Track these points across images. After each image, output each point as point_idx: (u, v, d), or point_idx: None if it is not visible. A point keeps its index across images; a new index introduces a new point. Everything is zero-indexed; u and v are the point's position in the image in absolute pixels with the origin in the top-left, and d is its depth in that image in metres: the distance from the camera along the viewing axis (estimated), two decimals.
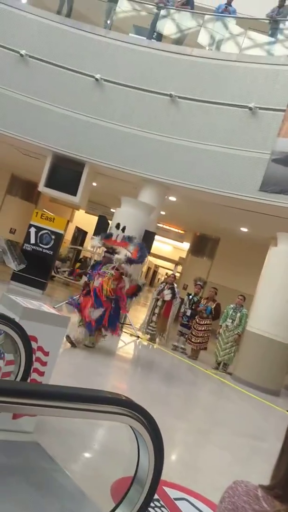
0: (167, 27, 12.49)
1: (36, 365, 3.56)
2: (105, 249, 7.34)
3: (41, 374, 3.59)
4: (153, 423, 1.90)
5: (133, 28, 12.15)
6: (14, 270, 11.60)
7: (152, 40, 11.64)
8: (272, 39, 11.77)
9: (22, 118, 11.36)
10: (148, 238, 10.57)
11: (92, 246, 7.18)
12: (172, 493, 3.24)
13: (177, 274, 20.74)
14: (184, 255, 21.42)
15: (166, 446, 4.12)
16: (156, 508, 2.97)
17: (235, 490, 0.96)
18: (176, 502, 3.12)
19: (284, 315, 8.93)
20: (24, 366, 3.05)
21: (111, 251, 7.24)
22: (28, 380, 3.17)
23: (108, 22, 11.90)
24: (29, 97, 11.32)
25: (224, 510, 0.95)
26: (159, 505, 3.02)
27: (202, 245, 18.21)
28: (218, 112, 10.55)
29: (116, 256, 7.17)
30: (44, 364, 3.60)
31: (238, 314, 9.48)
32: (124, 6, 12.67)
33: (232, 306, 9.67)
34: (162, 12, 12.15)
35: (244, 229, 14.72)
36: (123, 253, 7.29)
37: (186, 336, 10.14)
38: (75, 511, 2.58)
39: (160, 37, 12.03)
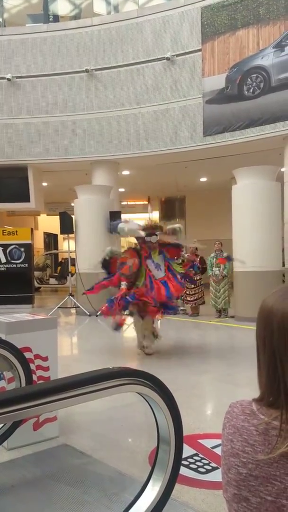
0: (61, 7, 12.16)
1: (39, 373, 3.52)
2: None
3: (47, 379, 3.55)
4: (155, 380, 1.87)
5: (28, 18, 11.81)
6: None
7: (50, 23, 11.32)
8: None
9: None
10: (114, 218, 10.46)
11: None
12: (208, 443, 3.27)
13: None
14: None
15: (191, 402, 4.13)
16: (197, 462, 2.98)
17: (232, 413, 0.95)
18: (214, 450, 3.14)
19: (264, 244, 9.00)
20: (25, 378, 3.01)
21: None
22: None
23: (0, 20, 11.50)
24: None
25: (227, 436, 0.93)
26: (198, 458, 3.04)
27: (171, 208, 18.17)
28: (140, 72, 10.38)
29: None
30: (46, 369, 3.57)
31: None
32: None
33: (212, 255, 9.76)
34: None
35: (203, 179, 14.71)
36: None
37: (182, 297, 10.19)
38: (119, 493, 2.57)
39: (57, 18, 11.71)
